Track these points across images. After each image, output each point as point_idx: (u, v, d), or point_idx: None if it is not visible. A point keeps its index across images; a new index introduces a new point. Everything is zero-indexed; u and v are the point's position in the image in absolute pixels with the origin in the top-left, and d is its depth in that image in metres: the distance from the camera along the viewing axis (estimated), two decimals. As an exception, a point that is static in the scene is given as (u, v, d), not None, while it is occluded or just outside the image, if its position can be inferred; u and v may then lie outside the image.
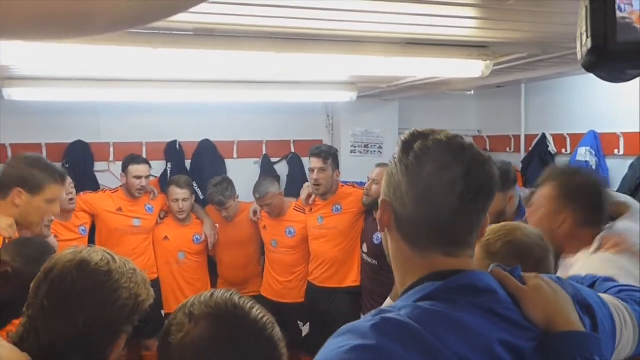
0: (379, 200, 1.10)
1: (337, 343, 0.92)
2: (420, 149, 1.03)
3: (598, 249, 1.83)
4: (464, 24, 2.39)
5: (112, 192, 4.37)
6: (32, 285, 1.31)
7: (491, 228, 1.56)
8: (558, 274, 1.55)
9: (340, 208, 4.22)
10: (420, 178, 1.02)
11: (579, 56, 1.26)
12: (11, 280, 1.66)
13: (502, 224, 1.66)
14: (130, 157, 4.32)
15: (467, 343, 0.92)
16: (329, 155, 4.15)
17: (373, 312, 0.98)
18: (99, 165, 4.79)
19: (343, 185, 4.31)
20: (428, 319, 0.93)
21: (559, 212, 1.91)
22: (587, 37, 1.20)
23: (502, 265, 1.10)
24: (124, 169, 4.29)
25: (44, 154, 4.54)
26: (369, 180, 4.04)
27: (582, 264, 1.78)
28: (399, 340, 0.90)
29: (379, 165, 4.11)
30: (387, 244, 1.12)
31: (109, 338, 1.29)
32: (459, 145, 1.04)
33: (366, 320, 0.95)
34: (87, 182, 4.59)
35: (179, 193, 4.31)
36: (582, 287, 1.19)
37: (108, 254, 1.34)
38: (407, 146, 1.05)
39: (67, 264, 1.28)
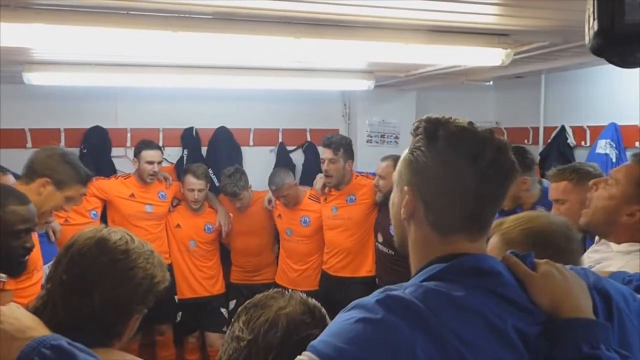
0: (404, 189, 1.08)
1: (345, 316, 0.96)
2: (448, 134, 1.04)
3: None
4: (485, 10, 2.37)
5: (125, 178, 4.38)
6: (53, 260, 1.33)
7: (511, 217, 1.53)
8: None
9: (355, 198, 4.21)
10: (451, 163, 1.03)
11: (587, 40, 1.21)
12: None
13: (524, 213, 1.61)
14: (143, 143, 4.31)
15: (468, 323, 0.93)
16: (340, 146, 4.09)
17: (380, 289, 1.00)
18: (116, 151, 4.82)
19: (357, 176, 4.29)
20: (431, 298, 0.95)
21: (633, 202, 1.78)
22: (594, 19, 1.15)
23: (517, 251, 1.10)
24: (137, 154, 4.29)
25: (62, 139, 4.61)
26: (377, 177, 4.00)
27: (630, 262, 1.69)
28: (402, 316, 0.92)
29: (384, 159, 4.01)
30: (406, 233, 1.11)
31: (122, 315, 1.31)
32: (484, 131, 1.06)
33: (373, 296, 0.97)
34: (104, 167, 4.62)
35: (195, 183, 4.29)
36: (608, 278, 1.17)
37: (128, 234, 1.36)
38: (431, 132, 1.05)
39: (87, 240, 1.30)
